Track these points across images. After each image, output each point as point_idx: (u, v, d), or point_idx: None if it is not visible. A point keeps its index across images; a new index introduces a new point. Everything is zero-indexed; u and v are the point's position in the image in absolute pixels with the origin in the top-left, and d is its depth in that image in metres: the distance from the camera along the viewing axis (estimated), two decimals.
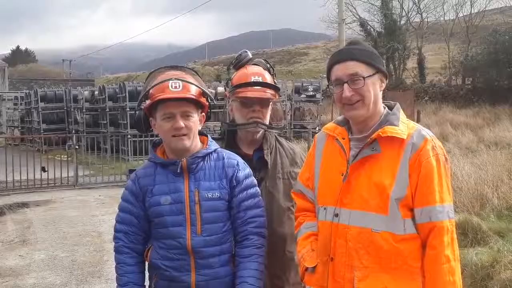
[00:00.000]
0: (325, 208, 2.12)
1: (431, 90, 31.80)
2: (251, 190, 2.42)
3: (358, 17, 36.80)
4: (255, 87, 2.64)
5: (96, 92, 22.35)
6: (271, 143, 2.74)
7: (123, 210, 2.47)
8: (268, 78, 2.70)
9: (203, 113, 2.45)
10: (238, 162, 2.44)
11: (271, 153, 2.72)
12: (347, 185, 2.06)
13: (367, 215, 2.00)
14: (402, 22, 36.81)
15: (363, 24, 36.69)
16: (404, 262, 1.98)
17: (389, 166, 2.01)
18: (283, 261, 2.60)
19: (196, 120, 2.38)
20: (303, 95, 22.67)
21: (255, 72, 2.68)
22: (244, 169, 2.44)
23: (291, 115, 22.10)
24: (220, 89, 20.74)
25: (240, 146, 2.71)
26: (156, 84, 2.35)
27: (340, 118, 2.27)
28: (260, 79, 2.65)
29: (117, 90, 21.23)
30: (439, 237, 1.96)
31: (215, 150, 2.45)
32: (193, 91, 2.35)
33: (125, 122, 19.78)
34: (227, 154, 2.47)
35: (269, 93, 2.66)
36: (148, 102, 2.38)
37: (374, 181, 2.01)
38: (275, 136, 2.82)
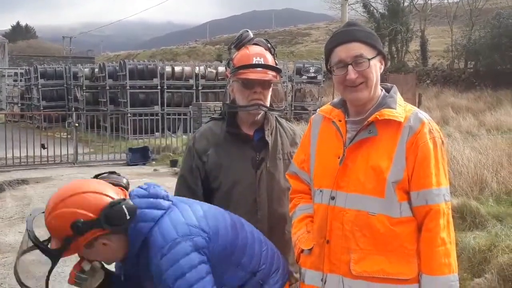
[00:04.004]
0: (321, 191, 2.12)
1: (433, 73, 31.72)
2: (178, 284, 1.94)
3: None
4: (257, 68, 2.61)
5: (96, 70, 22.33)
6: (271, 124, 2.74)
7: None
8: (270, 59, 2.68)
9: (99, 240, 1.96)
10: (155, 266, 1.97)
11: (271, 133, 2.72)
12: (344, 168, 2.05)
13: (364, 198, 2.00)
14: (406, 4, 36.57)
15: (366, 5, 36.45)
16: (400, 245, 1.99)
17: (386, 149, 2.01)
18: (283, 241, 2.61)
19: (92, 256, 2.03)
20: (304, 76, 22.63)
21: (257, 53, 2.65)
22: (156, 269, 1.95)
23: (292, 96, 22.07)
24: (221, 69, 20.73)
25: (240, 126, 2.71)
26: None
27: (336, 100, 2.25)
28: (261, 61, 2.63)
29: (117, 68, 21.21)
30: (435, 220, 1.97)
31: (143, 243, 2.00)
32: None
33: (125, 100, 19.79)
34: (150, 251, 1.98)
35: (270, 74, 2.64)
36: None
37: (371, 164, 2.00)
38: (276, 117, 2.81)
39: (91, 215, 1.90)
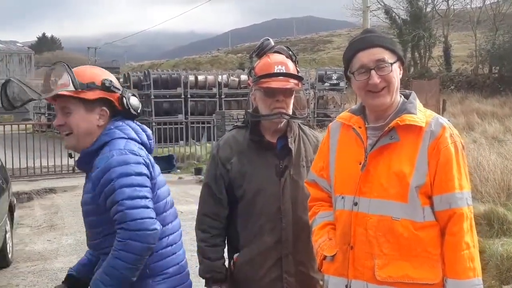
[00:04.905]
0: (343, 197, 2.13)
1: (457, 79, 31.40)
2: (107, 188, 2.18)
3: (383, 4, 36.41)
4: (279, 77, 2.63)
5: (121, 80, 22.57)
6: (294, 131, 2.75)
7: None
8: (291, 67, 2.69)
9: (104, 108, 2.32)
10: (99, 159, 2.23)
11: (294, 141, 2.73)
12: (366, 174, 2.07)
13: (387, 203, 2.01)
14: (428, 9, 36.34)
15: (388, 11, 36.29)
16: (423, 250, 1.99)
17: (408, 154, 2.02)
18: (308, 248, 2.61)
19: (82, 117, 2.27)
20: (326, 84, 22.61)
21: (278, 61, 2.66)
22: (102, 165, 2.20)
23: (314, 104, 22.05)
24: (244, 77, 20.83)
25: (263, 134, 2.72)
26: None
27: (355, 107, 2.26)
28: (283, 69, 2.64)
29: (141, 78, 21.46)
30: (459, 224, 1.97)
31: (106, 143, 2.27)
32: (62, 83, 2.23)
33: (150, 109, 19.99)
34: (104, 150, 2.26)
35: (292, 82, 2.65)
36: None
37: (393, 170, 2.01)
38: (298, 124, 2.82)
39: (119, 90, 2.36)
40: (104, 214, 2.22)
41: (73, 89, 2.21)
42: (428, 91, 23.40)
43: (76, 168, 2.40)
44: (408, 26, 35.21)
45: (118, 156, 2.20)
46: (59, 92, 2.21)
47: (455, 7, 37.17)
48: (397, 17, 36.63)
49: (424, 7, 36.08)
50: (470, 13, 36.08)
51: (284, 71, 2.64)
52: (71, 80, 2.21)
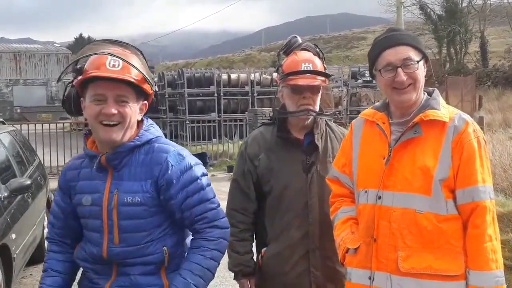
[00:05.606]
0: (366, 191, 2.18)
1: (494, 75, 30.72)
2: (192, 186, 2.07)
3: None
4: (306, 74, 2.66)
5: (156, 79, 22.69)
6: (321, 128, 2.78)
7: (54, 200, 2.26)
8: (318, 64, 2.72)
9: (146, 102, 2.13)
10: (167, 157, 2.06)
11: (321, 137, 2.77)
12: (390, 168, 2.11)
13: (411, 196, 2.05)
14: (464, 4, 35.61)
15: (422, 7, 35.73)
16: (446, 242, 2.03)
17: (431, 148, 2.06)
18: (335, 243, 2.65)
19: (134, 109, 2.05)
20: (359, 80, 22.42)
21: (305, 59, 2.70)
22: (179, 163, 2.06)
23: (347, 101, 21.91)
24: (276, 75, 20.84)
25: (290, 131, 2.76)
26: (91, 56, 2.03)
27: (378, 104, 2.31)
28: (310, 66, 2.67)
29: (175, 76, 21.71)
30: (482, 216, 2.00)
31: (149, 141, 2.10)
32: (134, 73, 2.01)
33: (184, 108, 20.23)
34: (159, 147, 2.09)
35: (319, 80, 2.68)
36: (79, 78, 2.02)
37: (417, 163, 2.05)
38: (326, 121, 2.85)
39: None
40: (157, 215, 2.07)
41: (144, 79, 2.05)
42: (463, 87, 23.02)
43: (102, 162, 2.06)
44: (444, 21, 34.64)
45: (189, 155, 2.12)
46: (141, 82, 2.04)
47: (491, 2, 36.44)
48: (432, 12, 36.05)
49: (460, 2, 35.43)
50: (507, 8, 35.28)
51: (311, 69, 2.68)
52: (146, 69, 2.09)
